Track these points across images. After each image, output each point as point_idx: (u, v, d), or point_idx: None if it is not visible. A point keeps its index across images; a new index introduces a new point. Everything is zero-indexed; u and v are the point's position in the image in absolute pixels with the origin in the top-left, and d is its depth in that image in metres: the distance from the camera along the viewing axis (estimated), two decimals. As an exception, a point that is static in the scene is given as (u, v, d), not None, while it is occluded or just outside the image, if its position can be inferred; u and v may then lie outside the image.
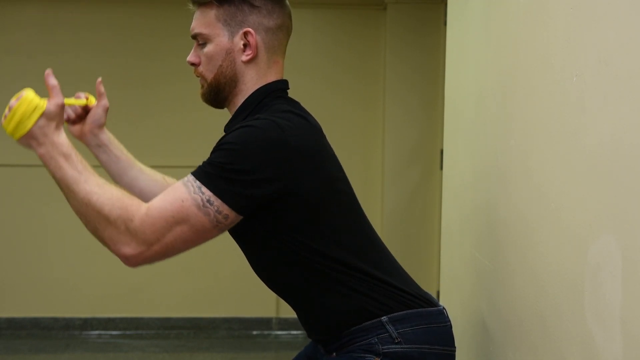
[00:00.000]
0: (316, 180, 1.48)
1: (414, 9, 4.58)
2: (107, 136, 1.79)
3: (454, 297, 2.30)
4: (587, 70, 1.22)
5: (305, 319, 1.63)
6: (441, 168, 3.97)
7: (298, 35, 4.95)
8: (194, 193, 1.40)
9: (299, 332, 4.79)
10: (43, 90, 1.51)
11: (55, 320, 4.78)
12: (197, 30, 1.60)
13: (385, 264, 1.58)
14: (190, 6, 1.63)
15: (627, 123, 1.08)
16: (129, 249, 1.41)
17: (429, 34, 4.56)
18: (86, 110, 1.78)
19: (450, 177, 2.42)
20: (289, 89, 1.66)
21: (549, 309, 1.38)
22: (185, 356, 4.47)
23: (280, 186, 1.43)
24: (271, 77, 1.61)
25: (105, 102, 1.79)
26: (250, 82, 1.59)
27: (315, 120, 1.60)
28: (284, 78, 1.66)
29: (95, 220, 1.43)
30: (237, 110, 1.60)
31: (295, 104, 1.61)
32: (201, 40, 1.60)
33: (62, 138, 1.47)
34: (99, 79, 1.79)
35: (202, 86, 1.63)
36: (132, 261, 1.43)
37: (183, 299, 4.79)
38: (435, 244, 4.44)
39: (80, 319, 4.78)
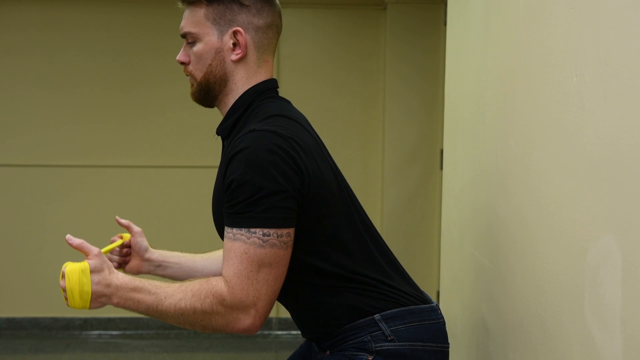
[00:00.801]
0: (316, 176, 1.49)
1: (414, 9, 4.58)
2: (159, 253, 1.85)
3: (454, 297, 2.30)
4: (587, 70, 1.22)
5: (299, 318, 1.65)
6: (441, 168, 3.97)
7: (298, 35, 4.97)
8: (248, 240, 1.41)
9: (298, 332, 4.79)
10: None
11: (55, 320, 4.78)
12: (186, 29, 1.60)
13: (380, 262, 1.58)
14: (180, 5, 1.64)
15: (627, 123, 1.08)
16: (242, 322, 1.44)
17: (429, 34, 4.56)
18: (126, 246, 1.83)
19: (450, 177, 2.42)
20: (278, 87, 1.65)
21: (548, 309, 1.38)
22: (185, 356, 4.47)
23: (305, 184, 1.45)
24: (261, 77, 1.60)
25: (136, 229, 1.84)
26: (240, 81, 1.59)
27: (303, 117, 1.60)
28: (273, 77, 1.65)
29: (198, 322, 1.46)
30: (228, 111, 1.60)
31: (285, 104, 1.61)
32: (190, 39, 1.60)
33: (121, 278, 1.49)
34: (117, 217, 1.86)
35: (192, 85, 1.64)
36: (253, 329, 1.46)
37: (183, 299, 4.79)
38: (435, 244, 4.44)
39: (80, 319, 4.78)
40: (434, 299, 1.63)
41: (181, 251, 1.90)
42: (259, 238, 1.41)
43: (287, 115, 1.53)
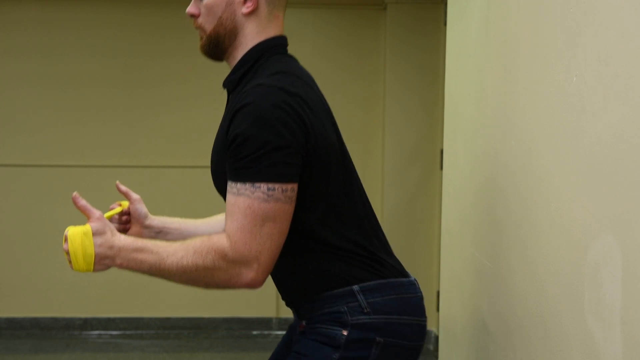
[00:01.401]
0: (321, 135, 1.49)
1: (414, 9, 4.57)
2: (159, 220, 1.84)
3: (454, 297, 2.30)
4: (587, 70, 1.22)
5: (280, 282, 1.65)
6: (441, 168, 3.97)
7: (298, 35, 4.96)
8: (252, 194, 1.41)
9: (299, 332, 4.79)
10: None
11: (55, 320, 4.78)
12: None
13: (368, 231, 1.58)
14: None
15: (627, 123, 1.08)
16: (246, 277, 1.44)
17: (429, 34, 4.56)
18: (126, 213, 1.83)
19: (450, 177, 2.42)
20: (287, 45, 1.65)
21: (549, 309, 1.38)
22: (185, 356, 4.47)
23: (309, 142, 1.45)
24: (271, 32, 1.60)
25: (135, 196, 1.83)
26: (250, 35, 1.58)
27: (310, 76, 1.60)
28: (283, 34, 1.64)
29: (200, 278, 1.46)
30: (236, 65, 1.59)
31: (293, 61, 1.61)
32: None
33: (123, 240, 1.50)
34: (117, 183, 1.85)
35: (201, 38, 1.63)
36: (256, 283, 1.46)
37: (183, 299, 4.79)
38: (435, 244, 4.44)
39: (80, 319, 4.78)
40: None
41: None
42: (263, 192, 1.41)
43: (294, 73, 1.54)
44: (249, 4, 1.56)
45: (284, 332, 5.11)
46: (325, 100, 1.61)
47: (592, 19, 1.21)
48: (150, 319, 4.80)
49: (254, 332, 4.81)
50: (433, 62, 4.55)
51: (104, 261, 1.49)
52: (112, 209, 1.81)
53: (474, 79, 2.06)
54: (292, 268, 1.58)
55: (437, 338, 4.23)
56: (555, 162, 1.36)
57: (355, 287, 1.52)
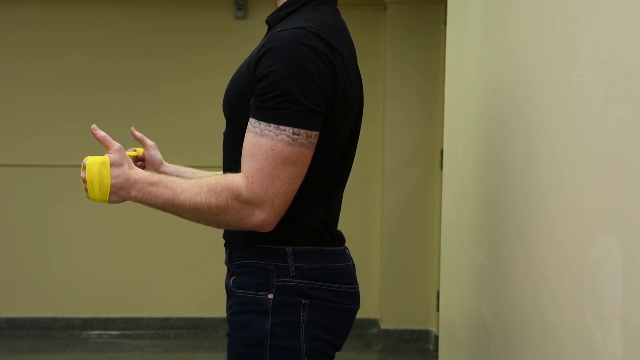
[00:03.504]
0: (346, 92, 1.50)
1: (414, 9, 4.57)
2: (173, 167, 1.85)
3: (454, 297, 2.30)
4: (587, 70, 1.22)
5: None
6: (441, 168, 3.97)
7: (298, 35, 4.95)
8: (276, 136, 1.41)
9: (299, 332, 4.78)
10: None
11: (55, 320, 4.78)
12: None
13: (333, 195, 1.59)
14: None
15: (627, 123, 1.08)
16: (257, 218, 1.44)
17: (429, 34, 4.56)
18: (140, 160, 1.84)
19: (450, 177, 2.42)
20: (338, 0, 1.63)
21: (549, 309, 1.39)
22: (185, 356, 4.47)
23: (336, 91, 1.45)
24: None
25: (150, 142, 1.85)
26: None
27: (348, 34, 1.59)
28: None
29: (212, 217, 1.46)
30: (285, 3, 1.58)
31: (338, 16, 1.60)
32: None
33: (140, 173, 1.50)
34: (132, 129, 1.86)
35: None
36: (267, 225, 1.45)
37: (183, 299, 4.79)
38: (435, 244, 4.44)
39: (80, 319, 4.78)
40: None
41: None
42: (288, 136, 1.41)
43: (338, 28, 1.53)
44: None
45: (284, 332, 5.08)
46: (356, 60, 1.61)
47: (592, 19, 1.21)
48: (150, 319, 4.80)
49: (254, 332, 4.81)
50: (433, 62, 4.55)
51: (120, 192, 1.49)
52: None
53: (474, 79, 2.06)
54: None
55: (437, 338, 4.23)
56: (556, 162, 1.36)
57: (289, 249, 1.52)
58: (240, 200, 1.42)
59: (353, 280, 1.61)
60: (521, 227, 1.56)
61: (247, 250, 1.56)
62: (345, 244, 1.65)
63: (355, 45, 1.64)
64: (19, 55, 4.70)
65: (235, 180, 1.43)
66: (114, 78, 4.75)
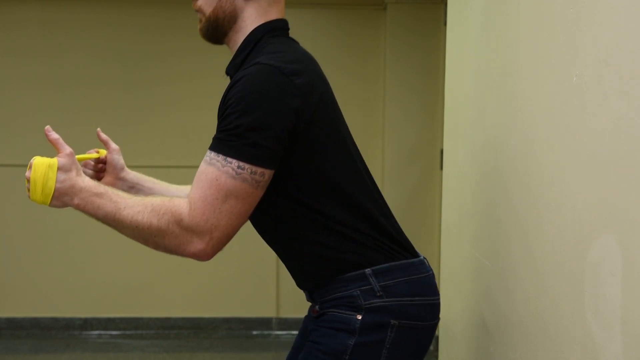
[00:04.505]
0: (321, 120, 1.48)
1: (414, 9, 4.57)
2: (134, 174, 1.83)
3: (454, 297, 2.30)
4: (587, 70, 1.22)
5: (293, 267, 1.64)
6: (441, 168, 3.97)
7: (298, 35, 4.94)
8: (222, 167, 1.41)
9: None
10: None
11: (55, 320, 4.78)
12: None
13: (377, 213, 1.57)
14: None
15: (627, 123, 1.08)
16: (195, 247, 1.43)
17: (429, 34, 4.56)
18: (102, 162, 1.82)
19: (450, 177, 2.42)
20: (289, 29, 1.63)
21: (549, 309, 1.38)
22: (185, 356, 4.47)
23: (297, 129, 1.44)
24: (272, 16, 1.59)
25: (114, 146, 1.83)
26: (250, 19, 1.57)
27: (310, 55, 1.58)
28: (285, 18, 1.63)
29: (151, 237, 1.45)
30: (238, 50, 1.58)
31: (292, 43, 1.59)
32: None
33: (87, 182, 1.49)
34: (98, 130, 1.83)
35: (200, 21, 1.61)
36: (203, 256, 1.44)
37: (183, 299, 4.79)
38: (435, 244, 4.44)
39: (80, 319, 4.78)
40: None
41: None
42: (233, 169, 1.40)
43: (293, 53, 1.52)
44: None
45: (284, 332, 5.14)
46: (326, 80, 1.59)
47: (592, 19, 1.21)
48: (150, 319, 4.80)
49: (254, 332, 4.81)
50: (433, 62, 4.55)
51: (62, 197, 1.48)
52: (89, 153, 1.79)
53: (474, 79, 2.06)
54: (304, 258, 1.57)
55: (437, 338, 4.23)
56: (556, 162, 1.36)
57: (368, 271, 1.52)
58: (181, 225, 1.42)
59: (435, 291, 1.61)
60: (521, 227, 1.56)
61: (328, 286, 1.55)
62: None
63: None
64: (19, 55, 4.70)
65: (179, 204, 1.43)
66: (114, 78, 4.75)
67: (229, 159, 1.40)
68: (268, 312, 4.81)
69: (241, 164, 1.40)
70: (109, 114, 4.73)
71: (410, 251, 1.60)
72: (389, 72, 4.61)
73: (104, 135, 1.83)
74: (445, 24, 3.81)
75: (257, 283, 4.76)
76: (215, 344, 4.62)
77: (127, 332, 4.78)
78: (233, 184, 1.40)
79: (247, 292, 4.72)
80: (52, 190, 1.47)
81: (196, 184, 1.43)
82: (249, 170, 1.40)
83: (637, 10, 1.06)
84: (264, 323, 4.83)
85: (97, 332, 4.78)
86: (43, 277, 4.73)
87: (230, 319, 4.82)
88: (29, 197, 1.49)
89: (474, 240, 2.01)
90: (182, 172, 4.80)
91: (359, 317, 1.50)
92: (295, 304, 4.51)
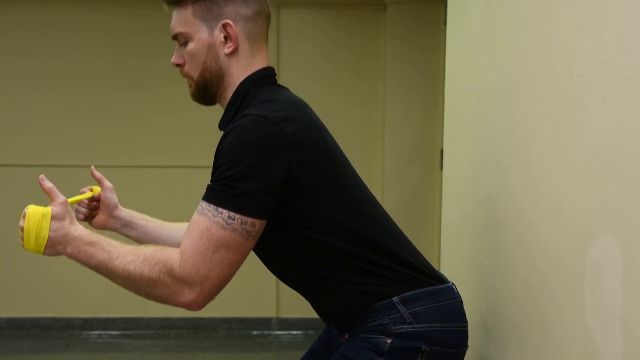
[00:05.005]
0: (317, 165, 1.48)
1: (414, 9, 4.58)
2: (127, 212, 1.84)
3: (454, 297, 2.30)
4: (587, 70, 1.22)
5: (318, 305, 1.64)
6: (441, 168, 3.97)
7: (298, 35, 4.97)
8: (213, 217, 1.41)
9: (299, 332, 4.79)
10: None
11: (55, 320, 4.78)
12: (176, 30, 1.63)
13: (394, 245, 1.57)
14: (166, 7, 1.65)
15: (627, 123, 1.08)
16: (186, 297, 1.44)
17: (429, 34, 4.56)
18: (96, 200, 1.82)
19: (450, 177, 2.42)
20: (275, 75, 1.64)
21: (549, 309, 1.38)
22: (185, 356, 4.47)
23: (290, 177, 1.44)
24: (256, 66, 1.60)
25: (108, 184, 1.83)
26: (236, 73, 1.58)
27: (300, 100, 1.59)
28: (270, 65, 1.64)
29: (142, 287, 1.46)
30: (227, 105, 1.60)
31: (280, 89, 1.60)
32: (182, 40, 1.62)
33: (80, 230, 1.51)
34: (92, 168, 1.84)
35: (190, 86, 1.64)
36: (194, 306, 1.45)
37: (183, 299, 4.79)
38: (435, 244, 4.44)
39: (80, 319, 4.78)
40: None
41: None
42: (223, 219, 1.40)
43: (281, 99, 1.52)
44: (229, 43, 1.56)
45: (284, 332, 5.14)
46: (319, 120, 1.60)
47: (592, 19, 1.21)
48: (150, 319, 4.80)
49: (254, 332, 4.81)
50: (433, 62, 4.55)
51: (56, 246, 1.49)
52: (82, 192, 1.80)
53: (474, 79, 2.06)
54: (328, 296, 1.57)
55: (437, 338, 4.23)
56: (556, 162, 1.36)
57: (395, 299, 1.52)
58: (172, 276, 1.42)
59: (464, 318, 1.61)
60: (521, 227, 1.56)
61: (356, 319, 1.55)
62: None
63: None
64: (19, 55, 4.70)
65: (170, 254, 1.44)
66: (114, 78, 4.75)
67: (220, 209, 1.41)
68: (268, 312, 4.81)
69: (232, 214, 1.41)
70: (109, 114, 4.73)
71: (436, 277, 1.60)
72: (389, 72, 4.61)
73: (97, 173, 1.83)
74: (445, 24, 3.81)
75: (257, 283, 4.76)
76: (215, 344, 4.62)
77: (127, 332, 4.78)
78: (224, 234, 1.41)
79: (247, 292, 4.72)
80: (46, 239, 1.49)
81: (188, 234, 1.44)
82: (240, 221, 1.41)
83: (637, 10, 1.06)
84: (264, 323, 4.83)
85: (97, 332, 4.78)
86: (43, 277, 4.73)
87: (230, 319, 4.82)
88: (22, 246, 1.51)
89: (474, 240, 2.01)
90: (182, 172, 4.80)
91: (389, 340, 1.50)
92: (295, 304, 4.50)
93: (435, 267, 1.67)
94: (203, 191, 1.48)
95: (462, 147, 2.20)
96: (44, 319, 4.78)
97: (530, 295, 1.49)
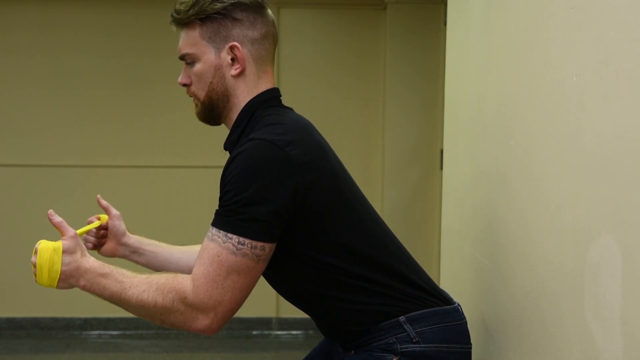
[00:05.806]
0: (323, 187, 1.49)
1: (414, 9, 4.58)
2: (135, 239, 1.85)
3: (454, 297, 2.30)
4: (587, 70, 1.22)
5: (324, 325, 1.65)
6: (441, 168, 3.97)
7: (298, 35, 4.96)
8: (223, 243, 1.42)
9: (299, 332, 4.79)
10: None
11: (55, 320, 4.78)
12: (184, 51, 1.64)
13: (400, 265, 1.58)
14: (174, 28, 1.66)
15: (627, 123, 1.08)
16: (200, 323, 1.45)
17: (429, 34, 4.56)
18: (104, 228, 1.84)
19: (450, 177, 2.42)
20: (280, 96, 1.65)
21: (549, 309, 1.38)
22: (185, 356, 4.47)
23: (297, 200, 1.45)
24: (262, 87, 1.61)
25: (115, 212, 1.85)
26: (242, 95, 1.59)
27: (305, 120, 1.60)
28: (275, 87, 1.65)
29: (157, 315, 1.47)
30: (233, 126, 1.61)
31: (286, 111, 1.61)
32: (189, 60, 1.63)
33: (92, 262, 1.51)
34: (98, 196, 1.86)
35: (196, 105, 1.65)
36: (209, 331, 1.47)
37: (183, 299, 4.79)
38: (435, 244, 4.44)
39: (80, 319, 4.78)
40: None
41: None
42: (233, 245, 1.42)
43: (287, 122, 1.53)
44: (236, 65, 1.58)
45: (284, 332, 5.13)
46: (326, 142, 1.61)
47: (592, 19, 1.21)
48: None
49: (254, 332, 4.81)
50: (433, 62, 4.55)
51: (69, 280, 1.51)
52: (90, 222, 1.82)
53: (474, 79, 2.06)
54: (334, 317, 1.58)
55: (437, 338, 4.23)
56: (556, 162, 1.36)
57: (402, 319, 1.53)
58: (186, 303, 1.44)
59: (469, 340, 1.62)
60: (521, 227, 1.56)
61: (362, 337, 1.56)
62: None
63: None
64: (19, 55, 4.70)
65: (183, 282, 1.45)
66: (114, 78, 4.75)
67: (229, 235, 1.42)
68: (268, 312, 4.81)
69: (241, 239, 1.42)
70: (109, 114, 4.73)
71: (442, 298, 1.61)
72: (389, 72, 4.62)
73: (104, 202, 1.85)
74: (445, 24, 3.81)
75: (257, 283, 4.76)
76: (215, 344, 4.62)
77: (127, 332, 4.78)
78: (234, 259, 1.42)
79: (247, 292, 4.72)
80: (59, 274, 1.50)
81: (199, 260, 1.45)
82: (249, 245, 1.42)
83: (637, 10, 1.06)
84: (264, 323, 4.83)
85: (97, 332, 4.78)
86: (43, 277, 4.73)
87: (230, 319, 4.82)
88: (36, 281, 1.52)
89: (474, 240, 2.01)
90: (182, 172, 4.80)
91: (395, 359, 1.52)
92: (295, 304, 4.51)
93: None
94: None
95: (462, 147, 2.20)
96: (44, 319, 4.78)
97: (530, 295, 1.49)
